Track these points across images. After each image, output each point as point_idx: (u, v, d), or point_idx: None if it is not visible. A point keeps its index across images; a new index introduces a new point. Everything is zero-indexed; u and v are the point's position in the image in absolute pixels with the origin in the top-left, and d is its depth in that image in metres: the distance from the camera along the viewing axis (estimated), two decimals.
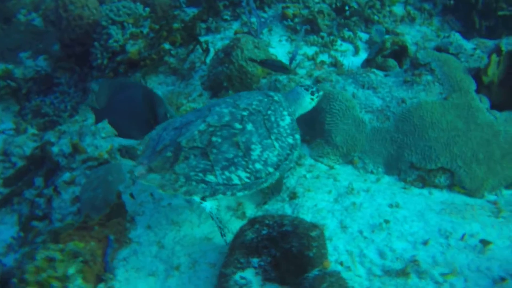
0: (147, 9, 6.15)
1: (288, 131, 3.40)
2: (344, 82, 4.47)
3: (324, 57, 5.27)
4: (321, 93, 3.83)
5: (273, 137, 3.26)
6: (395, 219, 3.41)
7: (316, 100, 3.80)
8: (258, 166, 3.12)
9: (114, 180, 4.22)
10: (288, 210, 3.63)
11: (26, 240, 4.46)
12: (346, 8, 6.28)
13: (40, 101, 6.43)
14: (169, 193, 2.90)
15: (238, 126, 3.15)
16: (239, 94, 3.54)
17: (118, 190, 3.77)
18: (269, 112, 3.36)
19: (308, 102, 3.76)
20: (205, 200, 3.02)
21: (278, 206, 3.71)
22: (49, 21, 6.69)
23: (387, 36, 4.99)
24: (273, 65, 4.45)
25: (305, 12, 6.00)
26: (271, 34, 5.83)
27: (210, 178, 2.97)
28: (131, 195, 3.96)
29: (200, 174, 2.96)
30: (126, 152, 4.94)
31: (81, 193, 4.36)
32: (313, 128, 4.28)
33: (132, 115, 3.75)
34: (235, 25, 6.09)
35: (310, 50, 5.44)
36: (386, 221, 3.34)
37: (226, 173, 3.02)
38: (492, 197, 4.02)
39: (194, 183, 2.94)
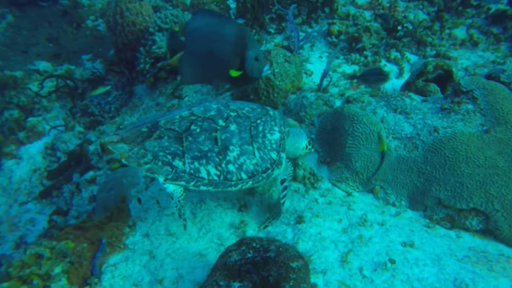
0: None
1: (274, 146, 3.23)
2: (376, 105, 4.14)
3: None
4: (312, 149, 3.89)
5: (255, 145, 3.13)
6: (405, 259, 3.04)
7: (307, 150, 3.78)
8: (231, 167, 3.02)
9: (127, 183, 4.25)
10: (289, 235, 3.38)
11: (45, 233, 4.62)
12: (399, 28, 5.91)
13: (89, 101, 6.75)
14: (132, 165, 2.85)
15: (221, 123, 3.07)
16: (236, 101, 3.46)
17: (123, 194, 3.76)
18: (259, 121, 3.23)
19: (302, 147, 3.70)
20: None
21: (280, 229, 3.48)
22: (109, 26, 7.02)
23: (430, 59, 4.57)
24: (368, 76, 4.19)
25: (352, 29, 5.73)
26: (312, 49, 5.63)
27: (177, 163, 2.92)
28: (139, 200, 3.93)
29: (169, 157, 2.91)
30: None
31: (97, 193, 4.43)
32: (334, 149, 4.00)
33: (218, 51, 3.51)
34: (278, 39, 5.97)
35: (349, 69, 5.15)
36: (392, 261, 2.98)
37: (196, 163, 2.94)
38: None
39: (160, 163, 2.89)
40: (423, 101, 4.11)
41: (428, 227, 3.49)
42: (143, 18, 6.63)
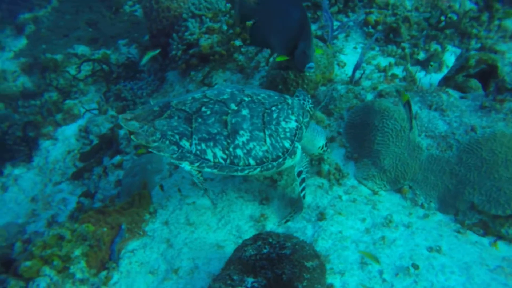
0: (228, 5, 6.13)
1: (288, 134, 3.13)
2: None
3: (397, 70, 4.70)
4: (326, 153, 3.68)
5: (267, 132, 3.05)
6: (430, 265, 2.87)
7: (322, 152, 3.56)
8: (239, 152, 2.98)
9: (152, 169, 4.26)
10: (309, 232, 3.28)
11: (71, 215, 4.72)
12: (442, 18, 5.57)
13: (123, 85, 6.83)
14: (140, 142, 2.89)
15: (233, 106, 3.02)
16: (254, 87, 3.39)
17: (145, 181, 3.77)
18: (274, 108, 3.13)
19: (318, 146, 3.50)
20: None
21: (300, 225, 3.38)
22: (145, 12, 7.05)
23: (473, 52, 4.28)
24: None
25: (390, 19, 5.45)
26: (347, 40, 5.41)
27: (184, 143, 2.93)
28: (161, 187, 3.93)
29: (177, 136, 2.93)
30: None
31: (123, 178, 4.48)
32: (362, 145, 3.83)
33: (281, 29, 3.56)
34: (312, 28, 5.77)
35: (384, 61, 4.91)
36: (415, 266, 2.82)
37: (203, 145, 2.94)
38: None
39: (167, 142, 2.92)
40: (461, 97, 3.86)
41: (459, 232, 3.29)
42: (178, 4, 6.60)
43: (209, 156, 2.95)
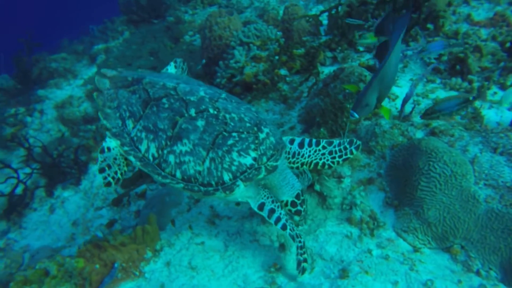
0: (279, 33, 5.83)
1: (234, 168, 2.65)
2: (469, 140, 3.24)
3: None
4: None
5: (210, 155, 2.63)
6: None
7: (287, 209, 2.98)
8: (171, 158, 2.66)
9: (170, 202, 3.95)
10: None
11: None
12: None
13: None
14: (97, 103, 2.85)
15: (192, 112, 2.69)
16: (241, 101, 3.00)
17: (152, 215, 3.43)
18: (234, 134, 2.67)
19: (281, 200, 2.94)
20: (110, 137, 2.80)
21: (316, 282, 2.80)
22: (201, 41, 7.02)
23: None
24: None
25: (457, 49, 4.76)
26: (404, 71, 4.79)
27: (128, 123, 2.75)
28: (172, 222, 3.58)
29: (127, 113, 2.79)
30: None
31: (142, 209, 4.22)
32: (403, 191, 3.18)
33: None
34: (366, 57, 5.25)
35: (445, 95, 4.21)
36: None
37: (143, 134, 2.71)
38: None
39: (118, 114, 2.81)
40: None
41: None
42: (230, 32, 6.47)
43: (143, 147, 2.72)
